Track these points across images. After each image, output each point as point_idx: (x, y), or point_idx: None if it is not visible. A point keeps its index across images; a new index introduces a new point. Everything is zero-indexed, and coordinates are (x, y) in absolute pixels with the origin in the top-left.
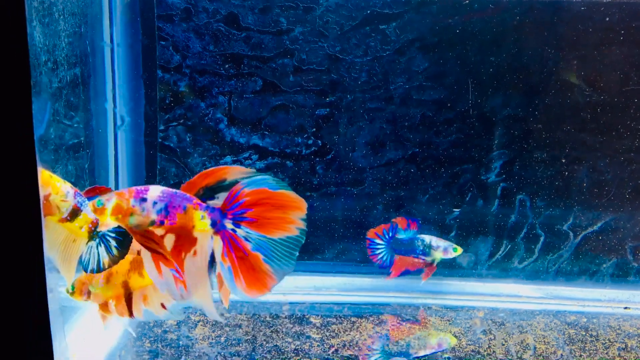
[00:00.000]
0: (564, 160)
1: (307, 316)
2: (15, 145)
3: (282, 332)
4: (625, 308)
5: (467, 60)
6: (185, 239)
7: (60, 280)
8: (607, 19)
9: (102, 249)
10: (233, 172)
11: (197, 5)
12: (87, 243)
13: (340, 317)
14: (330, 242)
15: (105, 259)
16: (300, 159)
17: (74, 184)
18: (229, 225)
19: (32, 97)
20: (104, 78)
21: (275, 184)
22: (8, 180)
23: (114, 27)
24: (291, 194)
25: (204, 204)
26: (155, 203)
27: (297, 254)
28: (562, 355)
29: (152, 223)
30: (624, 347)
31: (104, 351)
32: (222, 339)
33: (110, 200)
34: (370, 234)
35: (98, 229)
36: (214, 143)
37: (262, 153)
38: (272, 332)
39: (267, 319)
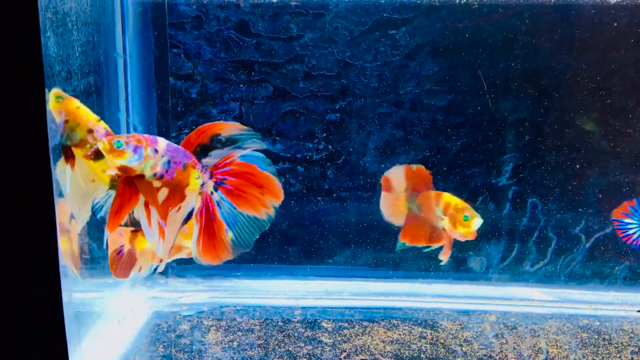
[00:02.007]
0: (575, 163)
1: (318, 321)
2: (30, 154)
3: (294, 336)
4: (638, 311)
5: (477, 64)
6: (176, 195)
7: (75, 286)
8: (616, 23)
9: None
10: (228, 128)
11: (208, 13)
12: (107, 190)
13: (352, 322)
14: (341, 246)
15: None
16: (311, 164)
17: None
18: (210, 187)
19: (46, 107)
20: (117, 87)
21: (265, 165)
22: (24, 189)
23: (127, 36)
24: (274, 180)
25: (200, 164)
26: (162, 156)
27: (257, 237)
28: (574, 358)
29: (154, 175)
30: (637, 350)
31: (118, 356)
32: (235, 343)
33: (130, 145)
34: (616, 214)
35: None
36: None
37: (273, 159)
38: (284, 336)
39: (279, 323)
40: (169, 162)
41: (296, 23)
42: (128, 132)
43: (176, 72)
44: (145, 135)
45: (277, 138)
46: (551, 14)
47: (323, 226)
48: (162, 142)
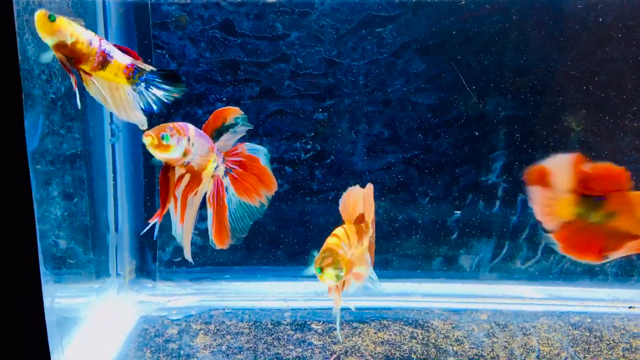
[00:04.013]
0: None
1: (308, 322)
2: (8, 158)
3: (284, 339)
4: (630, 307)
5: (465, 61)
6: (195, 179)
7: (57, 291)
8: (603, 19)
9: (153, 90)
10: (232, 113)
11: (193, 12)
12: (132, 88)
13: (342, 323)
14: None
15: (161, 95)
16: (299, 164)
17: (72, 195)
18: (221, 171)
19: (24, 112)
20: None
21: (266, 159)
22: (1, 193)
23: (109, 37)
24: (270, 174)
25: (215, 147)
26: (193, 144)
27: (250, 225)
28: (566, 357)
29: (183, 163)
30: (628, 347)
31: None
32: (224, 347)
33: (174, 138)
34: None
35: (137, 75)
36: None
37: None
38: (273, 339)
39: (269, 326)
40: (196, 149)
41: (281, 22)
42: (111, 134)
43: None
44: (179, 124)
45: (264, 138)
46: (539, 10)
47: (312, 227)
48: (191, 130)
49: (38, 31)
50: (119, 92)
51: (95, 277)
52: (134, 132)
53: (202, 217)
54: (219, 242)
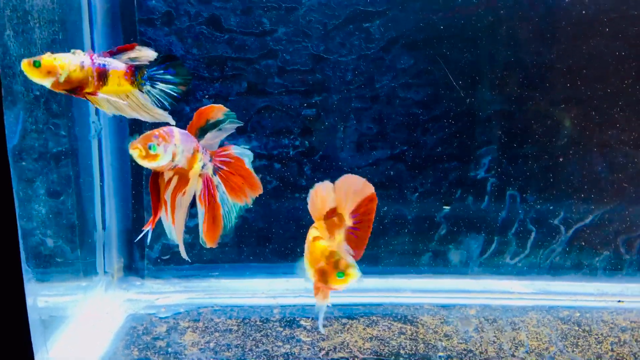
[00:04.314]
0: (553, 155)
1: (297, 319)
2: None
3: (272, 336)
4: (619, 302)
5: (453, 56)
6: (183, 180)
7: (44, 289)
8: (589, 12)
9: (160, 85)
10: (217, 110)
11: (179, 8)
12: (141, 91)
13: (331, 319)
14: None
15: (171, 88)
16: (287, 161)
17: (59, 193)
18: (210, 170)
19: (4, 108)
20: None
21: (249, 162)
22: None
23: (95, 33)
24: (255, 176)
25: (200, 146)
26: (178, 147)
27: (234, 222)
28: (554, 351)
29: (174, 165)
30: (617, 341)
31: None
32: (212, 344)
33: (161, 146)
34: None
35: (139, 75)
36: None
37: None
38: (262, 336)
39: (258, 323)
40: (183, 151)
41: (269, 17)
42: (97, 132)
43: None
44: (164, 129)
45: (252, 135)
46: (526, 5)
47: (301, 223)
48: (177, 133)
49: (30, 78)
50: (131, 98)
51: (83, 275)
52: (120, 128)
53: (190, 214)
54: (210, 241)
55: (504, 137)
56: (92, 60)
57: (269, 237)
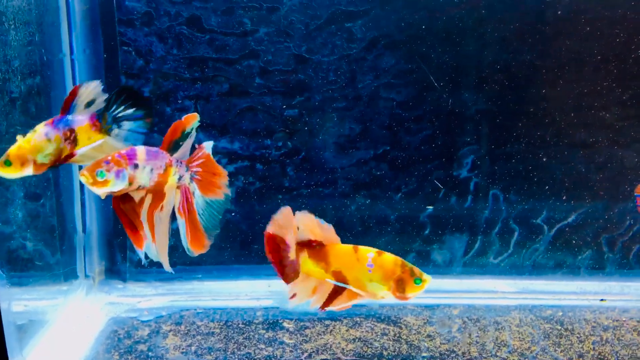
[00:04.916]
0: (535, 154)
1: (280, 321)
2: None
3: (255, 338)
4: (602, 300)
5: (435, 56)
6: (158, 196)
7: (24, 294)
8: (559, 11)
9: (127, 124)
10: (189, 121)
11: (159, 8)
12: (110, 135)
13: (314, 321)
14: None
15: (138, 124)
16: (270, 162)
17: (38, 195)
18: (187, 179)
19: None
20: (64, 87)
21: (210, 150)
22: None
23: (73, 34)
24: (215, 162)
25: (174, 159)
26: (144, 167)
27: (221, 217)
28: (537, 351)
29: (138, 188)
30: (598, 340)
31: None
32: (194, 348)
33: (111, 172)
34: (639, 190)
35: (103, 121)
36: None
37: (231, 157)
38: (244, 339)
39: (240, 325)
40: (151, 169)
41: (250, 17)
42: None
43: (127, 70)
44: (123, 152)
45: (235, 136)
46: (508, 4)
47: None
48: (141, 153)
49: (10, 178)
50: (105, 147)
51: (63, 279)
52: None
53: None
54: (198, 247)
55: (487, 136)
56: (54, 126)
57: (252, 239)
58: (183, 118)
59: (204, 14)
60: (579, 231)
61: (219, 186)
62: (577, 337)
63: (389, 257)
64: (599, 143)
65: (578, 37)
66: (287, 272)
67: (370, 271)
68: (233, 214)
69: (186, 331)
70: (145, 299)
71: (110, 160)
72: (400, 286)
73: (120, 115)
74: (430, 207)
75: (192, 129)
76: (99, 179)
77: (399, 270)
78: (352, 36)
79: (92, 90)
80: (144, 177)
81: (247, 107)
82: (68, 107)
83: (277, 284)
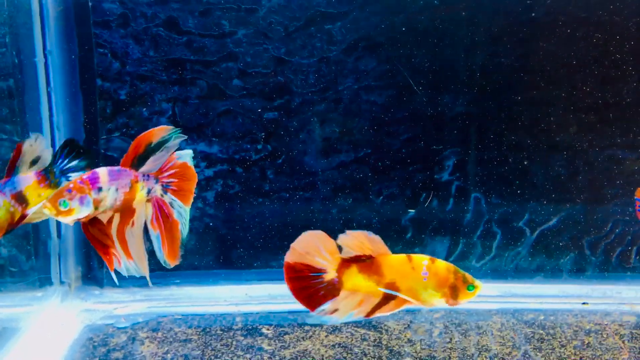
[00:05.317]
0: (517, 157)
1: (259, 327)
2: None
3: (233, 345)
4: (584, 304)
5: (416, 58)
6: (127, 213)
7: None
8: (540, 14)
9: (74, 174)
10: (158, 134)
11: (135, 10)
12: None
13: (294, 326)
14: (285, 248)
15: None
16: (250, 165)
17: None
18: (158, 191)
19: None
20: (37, 90)
21: (190, 159)
22: None
23: (47, 36)
24: (193, 169)
25: (140, 174)
26: (108, 189)
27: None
28: (518, 357)
29: (103, 209)
30: (580, 344)
31: None
32: (170, 355)
33: (75, 199)
34: (639, 193)
35: (50, 176)
36: None
37: (210, 160)
38: (222, 345)
39: (218, 331)
40: (116, 189)
41: (228, 19)
42: (52, 132)
43: (103, 73)
44: (85, 177)
45: (214, 139)
46: (488, 7)
47: (264, 228)
48: (103, 175)
49: None
50: (45, 214)
51: (38, 286)
52: (75, 126)
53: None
54: (174, 259)
55: (469, 139)
56: (0, 191)
57: (232, 243)
58: (144, 135)
59: (181, 15)
60: (561, 234)
61: (192, 192)
62: (559, 341)
63: (442, 264)
64: (581, 146)
65: (558, 40)
66: (319, 297)
67: (425, 279)
68: (214, 218)
69: (163, 338)
70: (122, 306)
71: (72, 188)
72: (453, 293)
73: (66, 167)
74: (412, 211)
75: (165, 140)
76: (63, 209)
77: (452, 277)
78: (332, 38)
79: (36, 147)
80: (110, 198)
81: (226, 109)
82: (13, 168)
83: (256, 290)
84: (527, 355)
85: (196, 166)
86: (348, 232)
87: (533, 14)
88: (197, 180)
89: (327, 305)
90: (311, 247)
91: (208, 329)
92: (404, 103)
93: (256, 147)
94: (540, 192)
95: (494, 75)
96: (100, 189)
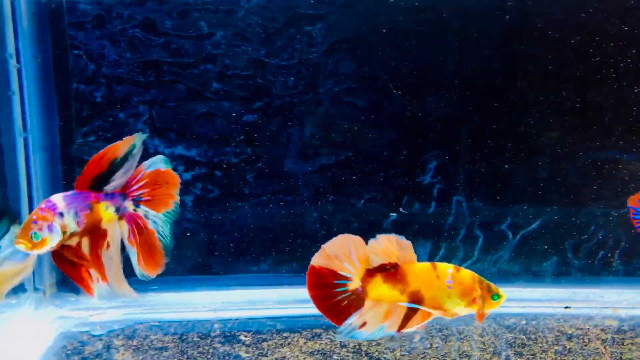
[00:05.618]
0: (499, 160)
1: (237, 334)
2: None
3: (210, 353)
4: (566, 307)
5: (397, 61)
6: (97, 235)
7: None
8: (508, 16)
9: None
10: (120, 149)
11: (111, 11)
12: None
13: (273, 333)
14: (265, 253)
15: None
16: (229, 168)
17: None
18: (130, 207)
19: None
20: (8, 87)
21: (164, 163)
22: None
23: (20, 39)
24: (172, 171)
25: (102, 194)
26: (68, 213)
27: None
28: None
29: (70, 235)
30: (561, 349)
31: None
32: None
33: (43, 229)
34: (631, 201)
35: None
36: None
37: (188, 164)
38: (199, 353)
39: (195, 339)
40: (76, 213)
41: (206, 20)
42: (26, 143)
43: (79, 75)
44: (43, 206)
45: (192, 142)
46: (470, 9)
47: (244, 233)
48: (59, 201)
49: None
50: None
51: (11, 292)
52: (49, 129)
53: None
54: (154, 269)
55: (450, 142)
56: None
57: (211, 248)
58: (105, 150)
59: (159, 16)
60: (543, 238)
61: (171, 196)
62: (540, 346)
63: (467, 273)
64: (563, 149)
65: (540, 42)
66: (342, 307)
67: (450, 287)
68: (193, 223)
69: (139, 346)
70: (98, 312)
71: (37, 219)
72: (479, 302)
73: None
74: (394, 214)
75: (131, 151)
76: (36, 241)
77: (477, 286)
78: (312, 40)
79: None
80: (70, 222)
81: (204, 112)
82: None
83: (233, 296)
84: None
85: (174, 169)
86: (379, 235)
87: (509, 17)
88: (177, 182)
89: (354, 319)
90: (343, 251)
91: (185, 336)
92: (385, 106)
93: (235, 151)
94: (523, 195)
95: (476, 78)
96: (61, 214)
